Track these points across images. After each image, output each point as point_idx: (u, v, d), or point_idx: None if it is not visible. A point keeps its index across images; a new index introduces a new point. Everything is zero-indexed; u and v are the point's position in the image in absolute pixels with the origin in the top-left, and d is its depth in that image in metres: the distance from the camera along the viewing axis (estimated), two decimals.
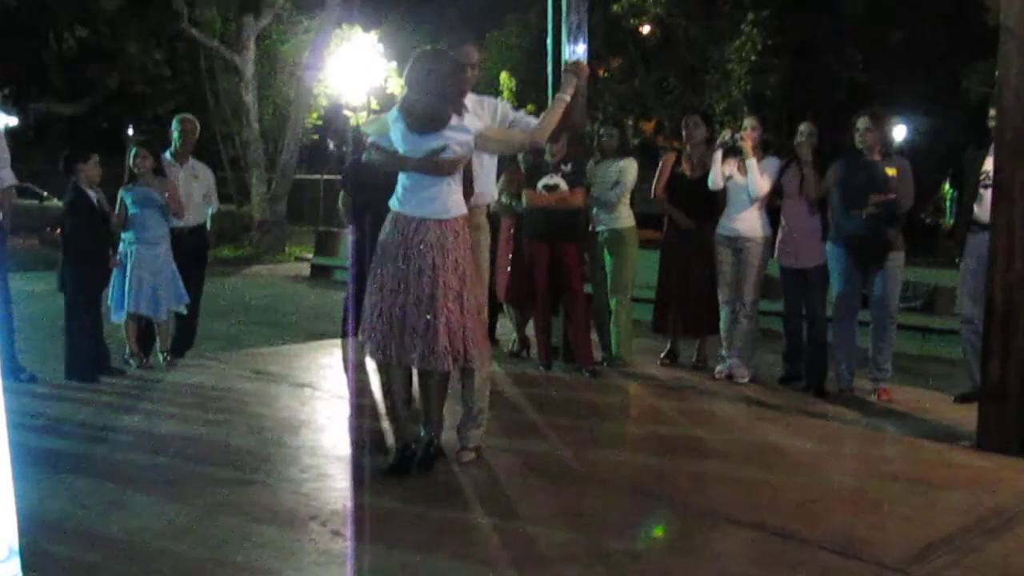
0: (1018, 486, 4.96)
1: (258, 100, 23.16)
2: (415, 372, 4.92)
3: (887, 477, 5.13)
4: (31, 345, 7.54)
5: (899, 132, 27.34)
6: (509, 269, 7.83)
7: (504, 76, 26.59)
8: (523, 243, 7.57)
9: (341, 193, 8.76)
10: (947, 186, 26.21)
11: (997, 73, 5.54)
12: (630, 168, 7.58)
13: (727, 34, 25.21)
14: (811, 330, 6.99)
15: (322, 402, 6.53)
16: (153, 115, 30.56)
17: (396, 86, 23.32)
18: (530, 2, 25.79)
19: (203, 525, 4.18)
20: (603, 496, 4.78)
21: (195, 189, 7.81)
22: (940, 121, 25.99)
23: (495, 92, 25.46)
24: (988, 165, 6.14)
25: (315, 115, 24.78)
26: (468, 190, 4.93)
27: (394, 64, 23.43)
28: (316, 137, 28.81)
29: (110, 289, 7.24)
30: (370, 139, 5.04)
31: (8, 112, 27.41)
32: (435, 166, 4.67)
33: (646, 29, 27.21)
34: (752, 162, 6.97)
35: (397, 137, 4.76)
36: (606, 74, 28.83)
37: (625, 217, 7.61)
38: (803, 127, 7.04)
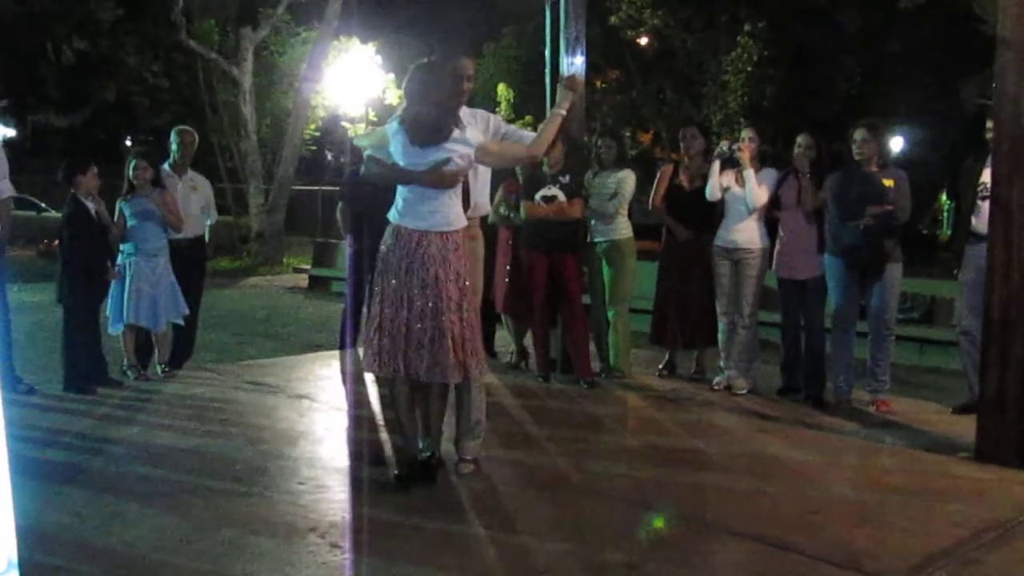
0: (1017, 498, 4.96)
1: (256, 111, 23.18)
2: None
3: (886, 488, 5.12)
4: (29, 356, 7.55)
5: (896, 143, 27.41)
6: (507, 280, 7.84)
7: (502, 88, 26.63)
8: (521, 254, 7.57)
9: (339, 204, 8.80)
10: (944, 197, 26.24)
11: (994, 84, 5.56)
12: (628, 179, 7.59)
13: (724, 46, 25.30)
14: (809, 341, 6.99)
15: (320, 414, 6.53)
16: (151, 126, 30.56)
17: (394, 97, 23.34)
18: (528, 14, 25.86)
19: (201, 537, 4.18)
20: (601, 507, 4.77)
21: (193, 201, 7.81)
22: (937, 132, 26.07)
23: (493, 104, 25.53)
24: (986, 176, 6.16)
25: (313, 126, 24.80)
26: (465, 202, 4.94)
27: (392, 76, 23.46)
28: (314, 148, 28.80)
29: (109, 300, 7.23)
30: (367, 152, 5.03)
31: (6, 124, 27.43)
32: (440, 179, 4.67)
33: (643, 41, 27.28)
34: (750, 173, 6.99)
35: (398, 150, 4.75)
36: (603, 85, 28.91)
37: (623, 228, 7.62)
38: (800, 138, 7.05)
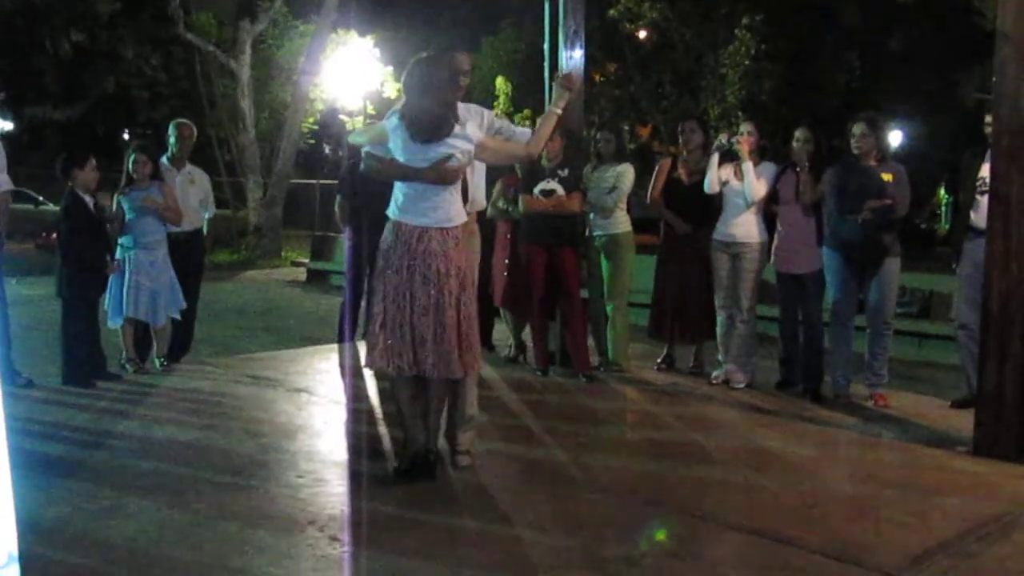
0: (1015, 492, 4.97)
1: (254, 105, 23.16)
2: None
3: (884, 482, 5.13)
4: (27, 350, 7.54)
5: (895, 137, 27.40)
6: (506, 274, 7.85)
7: (500, 81, 26.59)
8: (520, 248, 7.58)
9: (338, 198, 8.79)
10: (943, 191, 26.28)
11: (993, 79, 5.56)
12: (627, 174, 7.59)
13: (722, 39, 25.28)
14: (807, 335, 7.00)
15: (319, 407, 6.53)
16: (149, 120, 30.54)
17: (392, 90, 23.33)
18: (526, 7, 25.78)
19: (200, 530, 4.18)
20: (600, 501, 4.77)
21: (192, 194, 7.81)
22: (935, 126, 26.08)
23: (491, 97, 25.49)
24: (984, 171, 6.16)
25: (311, 120, 24.80)
26: (463, 197, 4.94)
27: (390, 69, 23.45)
28: (312, 142, 28.82)
29: (108, 294, 7.23)
30: (366, 149, 5.01)
31: (4, 117, 27.39)
32: (442, 175, 4.66)
33: (642, 34, 27.25)
34: (748, 166, 6.99)
35: (398, 146, 4.73)
36: (602, 79, 28.88)
37: (622, 222, 7.62)
38: (799, 132, 7.05)
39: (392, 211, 4.80)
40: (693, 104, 25.76)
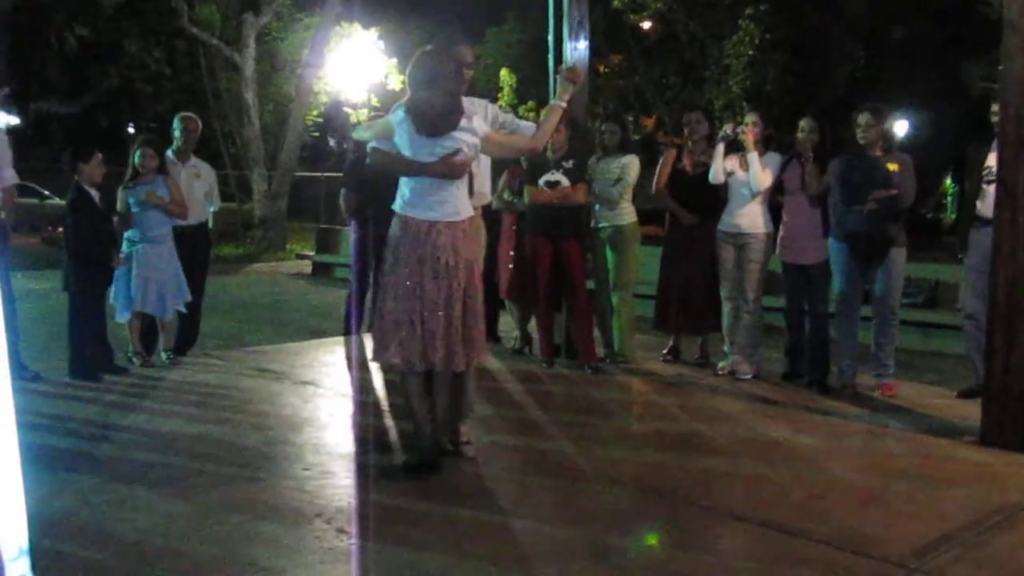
0: (1022, 481, 4.96)
1: (258, 98, 23.16)
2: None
3: (891, 473, 5.13)
4: (34, 344, 7.54)
5: (900, 127, 27.33)
6: (511, 266, 7.84)
7: (504, 73, 26.56)
8: (525, 240, 7.58)
9: (343, 190, 8.78)
10: (949, 181, 26.19)
11: (1000, 68, 5.54)
12: (632, 165, 7.58)
13: (727, 30, 25.22)
14: (813, 326, 6.99)
15: (325, 400, 6.54)
16: (153, 113, 30.56)
17: (396, 83, 23.29)
18: None
19: (208, 523, 4.19)
20: (606, 493, 4.78)
21: (197, 187, 7.81)
22: (941, 116, 25.97)
23: (496, 89, 25.47)
24: (991, 160, 6.14)
25: (315, 112, 24.78)
26: (469, 191, 4.93)
27: (394, 61, 23.42)
28: (317, 134, 28.82)
29: (115, 288, 7.23)
30: (372, 144, 4.99)
31: (8, 112, 27.39)
32: (450, 169, 4.65)
33: (646, 25, 27.18)
34: (754, 156, 6.98)
35: (404, 140, 4.71)
36: (606, 70, 28.83)
37: (627, 213, 7.61)
38: (803, 123, 7.04)
39: (399, 206, 4.79)
40: (698, 95, 25.70)
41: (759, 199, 7.05)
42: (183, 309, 7.52)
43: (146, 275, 7.18)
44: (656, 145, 25.86)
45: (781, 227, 7.07)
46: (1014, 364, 5.47)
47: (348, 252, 9.48)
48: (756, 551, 4.09)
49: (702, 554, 4.03)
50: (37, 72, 28.98)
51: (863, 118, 6.57)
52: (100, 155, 6.99)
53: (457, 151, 4.65)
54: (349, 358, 7.89)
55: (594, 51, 8.27)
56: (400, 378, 5.06)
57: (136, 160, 7.24)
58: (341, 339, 8.62)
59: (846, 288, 6.75)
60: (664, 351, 7.86)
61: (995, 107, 5.87)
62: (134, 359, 7.34)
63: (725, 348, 7.35)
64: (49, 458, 4.89)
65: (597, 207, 7.63)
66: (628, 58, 28.56)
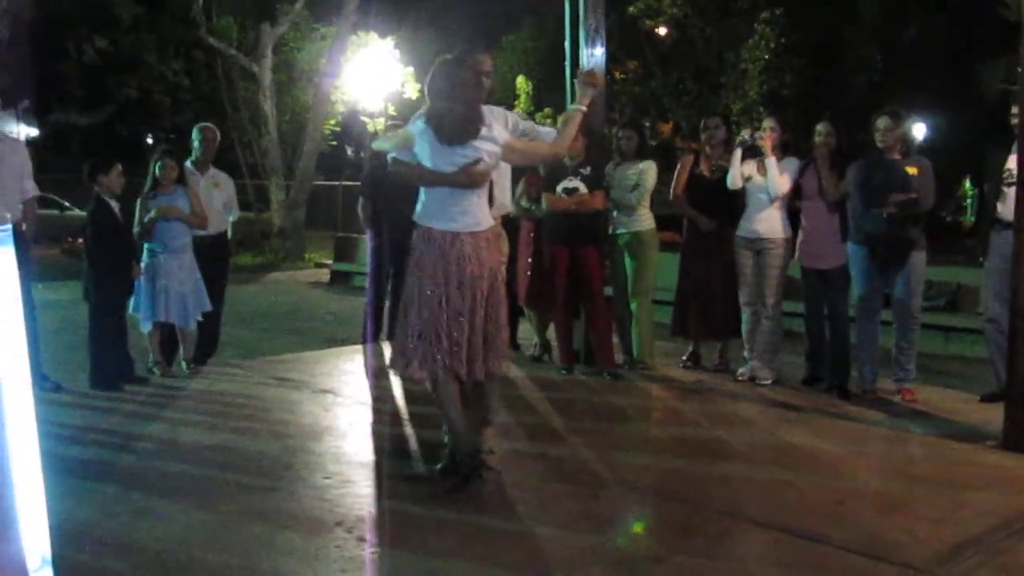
0: None
1: (276, 107, 23.24)
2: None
3: (913, 478, 5.10)
4: (55, 354, 7.59)
5: (918, 130, 27.23)
6: (529, 273, 7.84)
7: (521, 79, 26.61)
8: (543, 247, 7.57)
9: (360, 199, 8.82)
10: (968, 184, 26.10)
11: (1019, 70, 5.51)
12: (649, 171, 7.57)
13: (742, 34, 25.20)
14: (833, 331, 6.97)
15: (344, 408, 6.54)
16: (172, 124, 30.72)
17: (413, 91, 23.36)
18: (546, 5, 25.78)
19: (229, 532, 4.20)
20: (627, 499, 4.77)
21: (216, 197, 7.85)
22: (959, 119, 25.87)
23: (512, 96, 25.50)
24: (1011, 163, 6.11)
25: (333, 121, 24.89)
26: (489, 200, 4.90)
27: (411, 69, 23.50)
28: (334, 143, 28.88)
29: (138, 299, 7.26)
30: (392, 155, 4.96)
31: (28, 123, 27.59)
32: (472, 178, 4.61)
33: (662, 31, 27.19)
34: (771, 161, 6.96)
35: (425, 150, 4.67)
36: (623, 76, 28.83)
37: (645, 220, 7.60)
38: (820, 127, 7.02)
39: (420, 217, 4.74)
40: (714, 100, 25.69)
41: (777, 204, 7.03)
42: (200, 318, 7.54)
43: (168, 285, 7.21)
44: (673, 150, 25.80)
45: (800, 232, 7.04)
46: None
47: (366, 260, 9.51)
48: (777, 557, 4.06)
49: (723, 560, 4.02)
50: (56, 84, 29.15)
51: (882, 122, 6.55)
52: (119, 166, 7.02)
53: (478, 160, 4.61)
54: (368, 366, 7.90)
55: (610, 57, 8.27)
56: (421, 388, 5.05)
57: (156, 171, 7.28)
58: (360, 347, 8.64)
59: (866, 292, 6.72)
60: (684, 357, 7.84)
61: (1015, 109, 5.84)
62: (154, 369, 7.37)
63: (745, 354, 7.33)
64: (71, 468, 4.90)
65: (615, 213, 7.62)
66: (644, 64, 28.56)
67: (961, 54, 25.22)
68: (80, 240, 7.85)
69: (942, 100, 26.04)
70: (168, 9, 26.35)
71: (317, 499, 4.63)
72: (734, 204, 7.24)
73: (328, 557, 3.94)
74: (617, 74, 27.91)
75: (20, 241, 6.40)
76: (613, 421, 6.34)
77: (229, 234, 8.21)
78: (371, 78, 22.73)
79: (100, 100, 30.62)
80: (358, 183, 10.66)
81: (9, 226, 2.71)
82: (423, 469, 5.17)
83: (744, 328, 7.27)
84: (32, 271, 6.87)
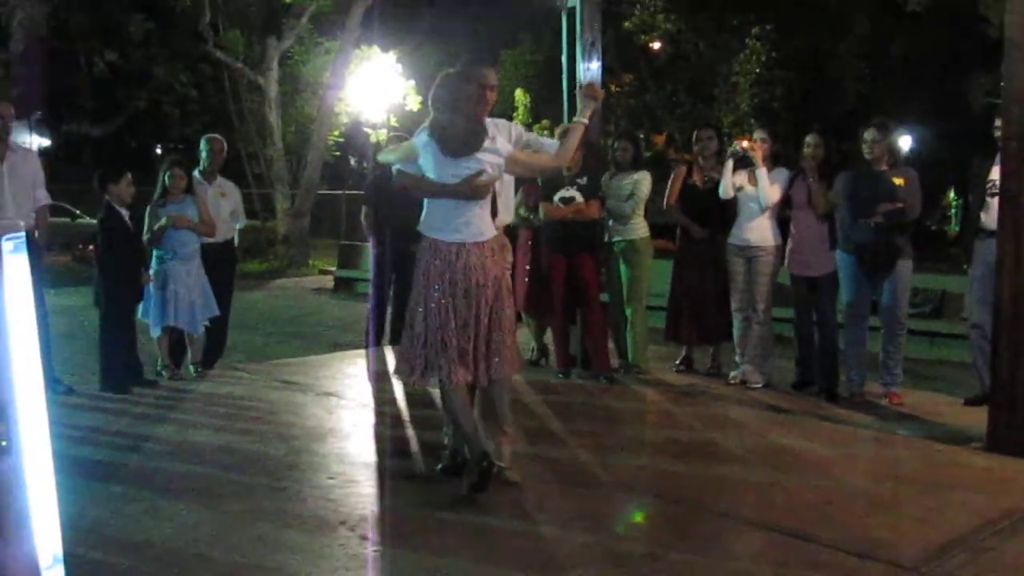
0: None
1: (281, 119, 23.24)
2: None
3: (900, 479, 5.10)
4: (67, 358, 7.59)
5: (905, 142, 27.26)
6: (527, 280, 7.84)
7: (519, 93, 26.63)
8: (541, 254, 7.57)
9: (363, 208, 8.82)
10: (952, 194, 26.10)
11: (1003, 84, 5.52)
12: (644, 181, 7.58)
13: (734, 48, 25.25)
14: (822, 336, 6.97)
15: (347, 411, 6.54)
16: (181, 135, 30.72)
17: (414, 103, 23.38)
18: (544, 20, 25.81)
19: (236, 531, 4.20)
20: (623, 499, 4.77)
21: (223, 206, 7.85)
22: (944, 131, 25.89)
23: (511, 109, 25.52)
24: (994, 174, 6.11)
25: (336, 133, 24.88)
26: (493, 212, 4.86)
27: (412, 83, 23.52)
28: (338, 154, 28.88)
29: (147, 304, 7.26)
30: (397, 167, 4.92)
31: (41, 134, 27.57)
32: (474, 190, 4.57)
33: (656, 45, 27.23)
34: (762, 172, 6.97)
35: (429, 162, 4.64)
36: (618, 89, 28.86)
37: (640, 228, 7.61)
38: (809, 139, 7.03)
39: (426, 230, 4.70)
40: (707, 112, 25.71)
41: (768, 213, 7.04)
42: (207, 323, 7.54)
43: (177, 291, 7.21)
44: (667, 161, 25.83)
45: (789, 240, 7.05)
46: (1019, 372, 5.44)
47: (369, 267, 9.51)
48: (768, 556, 4.06)
49: (716, 558, 4.02)
50: (68, 96, 29.14)
51: (869, 134, 6.56)
52: (129, 175, 7.03)
53: (480, 172, 4.58)
54: (370, 370, 7.90)
55: (606, 71, 8.28)
56: (422, 391, 5.03)
57: (165, 180, 7.29)
58: (363, 352, 8.64)
59: (854, 299, 6.72)
60: (677, 361, 7.84)
61: (998, 122, 5.85)
62: (163, 372, 7.37)
63: (736, 358, 7.33)
64: (82, 469, 4.91)
65: (610, 222, 7.63)
66: (639, 77, 28.60)
67: (946, 68, 25.27)
68: (91, 247, 7.85)
69: (928, 113, 26.08)
70: (177, 24, 26.31)
71: (321, 499, 4.63)
72: (726, 213, 7.24)
73: (332, 555, 3.95)
74: (613, 87, 27.93)
75: (33, 248, 6.39)
76: (609, 423, 6.33)
77: (236, 242, 8.21)
78: (374, 91, 22.73)
79: (111, 112, 30.60)
80: (361, 192, 10.68)
81: (23, 234, 2.70)
82: (424, 469, 5.18)
83: (735, 333, 7.27)
84: (44, 277, 6.88)
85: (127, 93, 29.90)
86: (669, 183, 7.74)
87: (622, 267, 7.66)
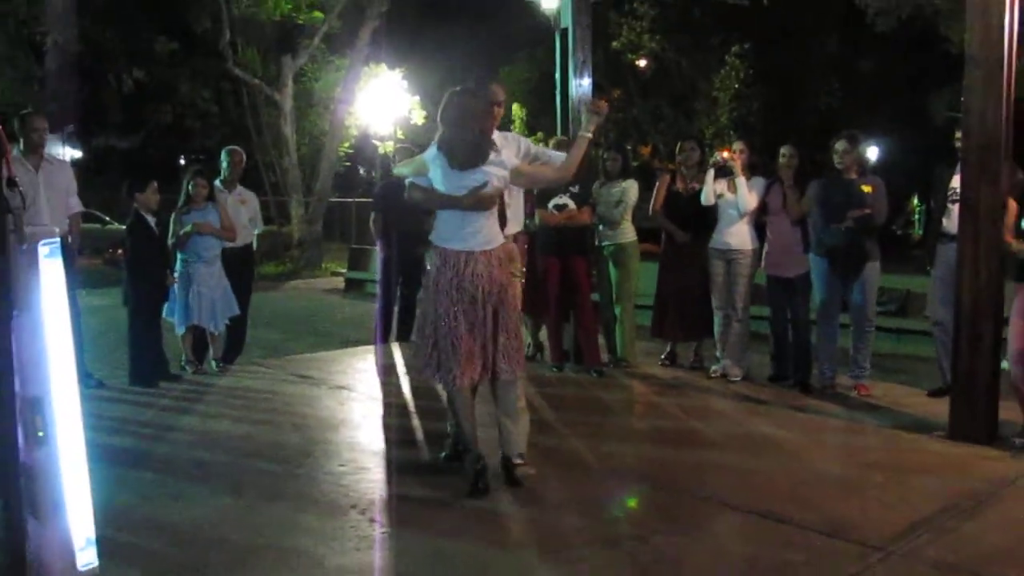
0: (987, 472, 4.94)
1: (296, 132, 23.20)
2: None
3: (868, 465, 5.11)
4: (98, 354, 7.58)
5: (872, 152, 27.28)
6: (523, 282, 7.82)
7: (516, 107, 26.59)
8: (536, 257, 7.57)
9: (372, 214, 8.82)
10: (916, 200, 26.12)
11: (962, 99, 5.52)
12: (632, 189, 7.58)
13: (715, 66, 25.27)
14: (796, 333, 6.97)
15: (358, 403, 6.54)
16: (202, 147, 30.68)
17: (418, 117, 23.36)
18: (539, 39, 25.79)
19: (255, 514, 4.20)
20: (613, 484, 4.78)
21: (242, 213, 7.84)
22: (908, 142, 25.93)
23: (507, 122, 25.48)
24: (955, 182, 6.11)
25: (347, 144, 24.82)
26: (502, 221, 4.80)
27: (417, 98, 23.49)
28: (348, 164, 28.82)
29: (172, 304, 7.25)
30: (410, 180, 4.84)
31: (73, 146, 27.53)
32: (479, 202, 4.51)
33: (642, 63, 27.24)
34: (741, 180, 6.97)
35: (437, 175, 4.58)
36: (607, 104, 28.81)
37: (628, 233, 7.61)
38: (784, 150, 7.03)
39: (437, 239, 4.63)
40: (689, 125, 25.74)
41: (746, 219, 7.04)
42: (227, 322, 7.53)
43: (200, 291, 7.21)
44: (652, 170, 25.82)
45: (766, 244, 7.05)
46: (978, 366, 5.46)
47: (377, 269, 9.50)
48: (746, 536, 4.08)
49: (697, 538, 4.03)
50: (98, 111, 29.09)
51: (840, 145, 6.56)
52: (155, 184, 7.02)
53: (485, 184, 4.52)
54: (379, 365, 7.90)
55: (596, 87, 8.28)
56: (427, 385, 5.01)
57: (189, 189, 7.28)
58: (372, 348, 8.63)
59: (826, 298, 6.73)
60: (662, 356, 7.83)
61: (959, 134, 5.85)
62: (187, 367, 7.36)
63: (717, 353, 7.33)
64: (112, 457, 4.90)
65: (601, 227, 7.63)
66: (627, 93, 28.57)
67: (911, 84, 25.31)
68: (120, 251, 7.85)
69: (894, 125, 26.12)
70: (199, 44, 26.27)
71: (334, 484, 4.64)
72: (707, 219, 7.24)
73: (344, 536, 3.95)
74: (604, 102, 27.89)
75: (67, 252, 6.38)
76: (599, 414, 6.33)
77: (254, 246, 8.20)
78: (381, 105, 22.68)
79: (137, 125, 30.60)
80: (370, 200, 10.66)
81: (57, 239, 2.71)
82: (429, 457, 5.18)
83: (716, 330, 7.27)
84: (77, 279, 6.86)
85: (153, 108, 29.91)
86: (654, 191, 7.73)
87: (611, 269, 7.66)
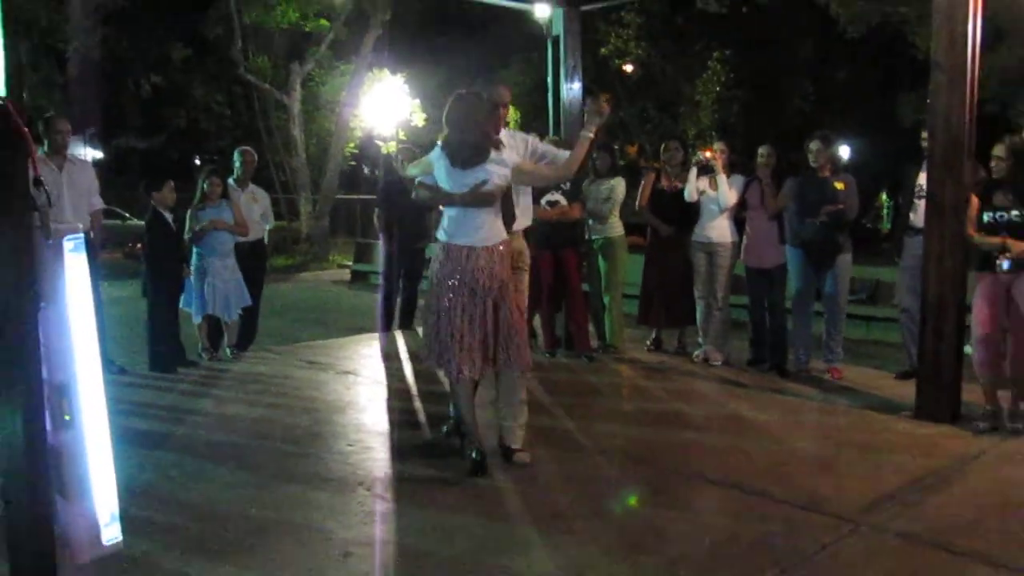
0: (951, 449, 4.96)
1: (304, 133, 23.17)
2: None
3: (840, 443, 5.12)
4: (120, 342, 7.57)
5: (844, 151, 27.27)
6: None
7: (511, 110, 26.54)
8: (530, 250, 7.54)
9: (376, 210, 8.80)
10: (885, 196, 26.12)
11: (928, 102, 5.53)
12: (619, 186, 7.58)
13: (697, 71, 25.25)
14: (773, 320, 6.98)
15: (364, 387, 6.54)
16: (216, 148, 30.61)
17: (419, 119, 23.32)
18: (532, 46, 25.76)
19: (267, 491, 4.21)
20: (603, 463, 4.79)
21: (254, 209, 7.82)
22: (878, 142, 25.91)
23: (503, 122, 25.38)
24: (921, 179, 6.13)
25: (352, 145, 24.79)
26: (510, 219, 4.74)
27: (418, 101, 23.44)
28: (353, 163, 28.78)
29: (188, 295, 7.24)
30: (417, 179, 4.79)
31: (95, 147, 27.43)
32: (479, 199, 4.47)
33: (629, 68, 27.20)
34: (722, 178, 6.98)
35: (441, 174, 4.55)
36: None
37: (616, 227, 7.60)
38: (762, 149, 7.03)
39: (441, 235, 4.59)
40: (673, 126, 25.72)
41: (726, 214, 7.04)
42: (240, 312, 7.52)
43: (214, 283, 7.21)
44: (639, 169, 25.78)
45: (745, 237, 7.05)
46: (942, 350, 5.47)
47: (380, 262, 9.49)
48: (727, 509, 4.09)
49: (682, 512, 4.04)
50: (118, 114, 28.99)
51: (814, 144, 6.57)
52: (171, 183, 7.01)
53: (485, 182, 4.47)
54: (383, 351, 7.90)
55: (586, 90, 8.27)
56: (429, 370, 4.99)
57: (204, 187, 7.27)
58: (376, 335, 8.63)
59: (801, 287, 6.74)
60: (648, 342, 7.84)
61: (924, 134, 5.85)
62: (203, 354, 7.36)
63: (699, 339, 7.34)
64: (134, 438, 4.91)
65: (590, 222, 7.62)
66: (614, 96, 28.48)
67: (881, 88, 25.28)
68: (139, 246, 7.81)
69: (864, 126, 26.11)
70: (212, 51, 26.20)
71: (341, 463, 4.64)
72: (690, 214, 7.24)
73: (351, 512, 3.96)
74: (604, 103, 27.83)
75: (89, 247, 6.37)
76: (589, 396, 6.34)
77: (266, 240, 8.19)
78: (384, 108, 22.62)
79: (155, 128, 30.47)
80: (373, 197, 10.64)
81: (81, 235, 2.70)
82: (431, 437, 5.19)
83: (698, 317, 7.28)
84: (99, 272, 6.86)
85: (169, 111, 29.81)
86: (641, 188, 7.73)
87: (601, 261, 7.65)
